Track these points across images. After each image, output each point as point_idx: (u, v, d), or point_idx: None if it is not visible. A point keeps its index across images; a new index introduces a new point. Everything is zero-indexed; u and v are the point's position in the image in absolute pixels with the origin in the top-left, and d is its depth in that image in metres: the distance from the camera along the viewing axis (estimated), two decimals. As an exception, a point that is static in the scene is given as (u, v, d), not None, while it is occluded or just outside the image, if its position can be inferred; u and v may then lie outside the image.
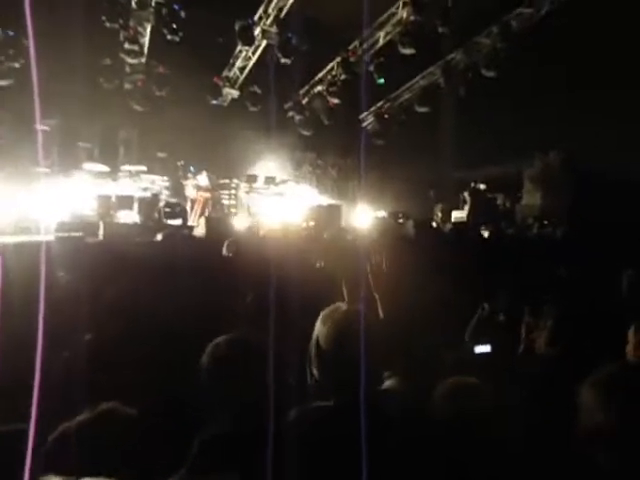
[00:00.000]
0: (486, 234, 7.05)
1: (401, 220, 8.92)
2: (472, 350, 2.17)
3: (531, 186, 10.60)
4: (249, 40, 10.16)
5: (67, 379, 1.63)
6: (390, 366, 1.43)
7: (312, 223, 8.65)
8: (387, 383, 1.40)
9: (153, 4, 8.94)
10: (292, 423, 1.20)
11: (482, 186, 11.34)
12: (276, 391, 1.14)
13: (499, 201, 11.49)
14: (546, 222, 8.45)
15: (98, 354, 1.86)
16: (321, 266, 3.30)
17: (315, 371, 1.32)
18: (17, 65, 8.78)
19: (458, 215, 10.85)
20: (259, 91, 11.58)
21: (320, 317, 1.38)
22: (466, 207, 10.95)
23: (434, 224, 8.93)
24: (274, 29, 10.10)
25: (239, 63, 11.43)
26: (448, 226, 8.05)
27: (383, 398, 1.29)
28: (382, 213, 10.84)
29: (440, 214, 11.22)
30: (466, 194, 11.03)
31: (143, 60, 10.30)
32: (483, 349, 2.02)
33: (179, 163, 10.55)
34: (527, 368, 1.94)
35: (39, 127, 10.00)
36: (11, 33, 8.74)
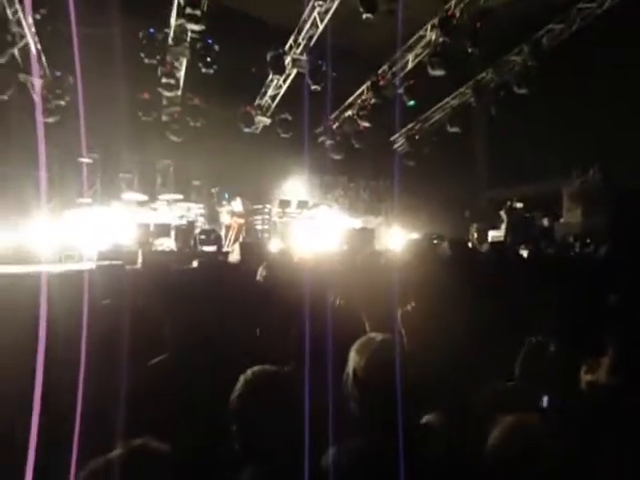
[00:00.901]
0: (525, 253, 6.84)
1: (436, 241, 8.77)
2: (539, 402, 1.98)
3: (571, 204, 10.27)
4: (280, 69, 10.44)
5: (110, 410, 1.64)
6: (429, 399, 1.37)
7: (345, 247, 8.62)
8: (426, 417, 1.34)
9: (188, 39, 9.34)
10: (332, 463, 1.16)
11: (519, 205, 11.08)
12: (313, 426, 1.10)
13: (537, 220, 11.18)
14: (588, 241, 8.15)
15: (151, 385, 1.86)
16: (341, 304, 3.22)
17: (352, 404, 1.28)
18: (63, 103, 9.28)
19: (495, 235, 10.61)
20: (290, 118, 11.83)
21: (354, 347, 1.34)
22: (503, 226, 10.71)
23: (470, 244, 8.75)
24: (304, 57, 10.35)
25: (270, 92, 11.73)
26: (485, 246, 7.86)
27: (424, 434, 1.23)
28: (416, 235, 10.72)
29: (476, 234, 11.00)
30: (502, 213, 10.79)
31: (179, 93, 10.72)
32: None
33: (213, 190, 10.80)
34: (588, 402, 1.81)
35: (83, 160, 10.54)
36: (58, 73, 9.27)
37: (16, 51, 8.32)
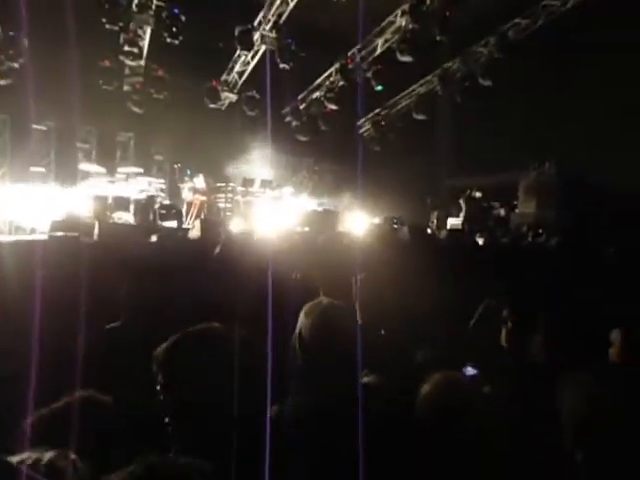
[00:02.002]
0: (481, 241, 7.09)
1: (396, 226, 8.95)
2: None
3: (526, 195, 10.67)
4: (248, 45, 10.23)
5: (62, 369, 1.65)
6: (370, 361, 1.44)
7: (307, 228, 8.67)
8: (366, 379, 1.41)
9: (153, 7, 9.00)
10: (278, 419, 1.21)
11: (478, 194, 11.42)
12: (258, 385, 1.14)
13: (494, 209, 11.57)
14: (540, 231, 8.50)
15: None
16: (297, 277, 3.29)
17: (299, 363, 1.33)
18: (16, 65, 8.80)
19: (454, 222, 10.91)
20: (257, 96, 11.65)
21: (303, 310, 1.40)
22: (461, 214, 11.02)
23: (429, 230, 8.97)
24: (273, 34, 10.17)
25: (238, 68, 11.50)
26: (443, 233, 8.09)
27: (366, 392, 1.30)
28: (378, 220, 10.88)
29: (436, 221, 11.28)
30: (462, 201, 11.09)
31: (142, 63, 10.35)
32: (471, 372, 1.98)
33: (176, 166, 10.57)
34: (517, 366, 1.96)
35: (37, 127, 10.07)
36: (11, 33, 8.75)
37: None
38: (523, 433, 1.35)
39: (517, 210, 10.93)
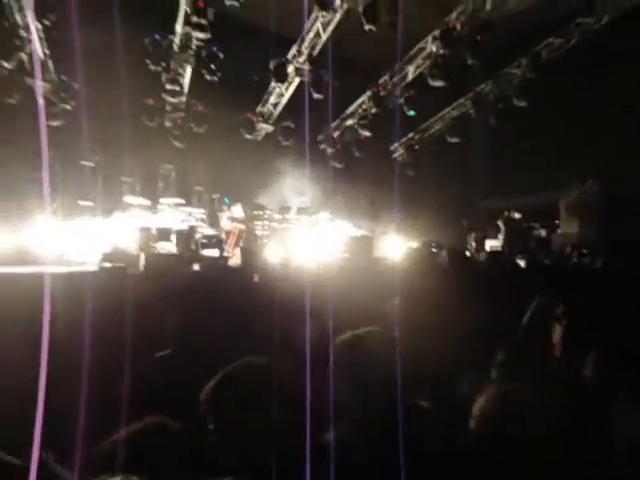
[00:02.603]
0: (522, 263, 6.93)
1: (434, 249, 8.86)
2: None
3: (568, 215, 10.37)
4: (283, 77, 10.59)
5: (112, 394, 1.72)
6: (416, 391, 1.44)
7: (344, 254, 8.70)
8: (411, 406, 1.41)
9: (193, 47, 9.48)
10: (324, 450, 1.22)
11: (517, 215, 11.19)
12: (300, 413, 1.16)
13: (535, 230, 11.29)
14: (585, 251, 8.23)
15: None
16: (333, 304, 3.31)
17: (341, 393, 1.34)
18: (68, 107, 9.40)
19: (493, 244, 10.70)
20: (292, 125, 11.96)
21: (341, 339, 1.42)
22: (500, 236, 10.80)
23: (468, 253, 8.83)
24: (307, 66, 10.49)
25: (273, 99, 11.87)
26: (483, 255, 7.95)
27: (413, 419, 1.30)
28: (415, 244, 10.80)
29: (474, 243, 11.09)
30: (500, 223, 10.89)
31: (183, 99, 10.85)
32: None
33: (215, 196, 10.89)
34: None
35: (85, 163, 10.65)
36: (64, 77, 9.40)
37: (24, 56, 8.45)
38: (574, 446, 1.32)
39: (559, 230, 10.62)
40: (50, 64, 9.32)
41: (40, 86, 8.88)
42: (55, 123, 9.18)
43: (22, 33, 8.29)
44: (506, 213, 11.02)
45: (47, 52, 8.89)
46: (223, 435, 1.18)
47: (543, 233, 11.04)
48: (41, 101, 9.09)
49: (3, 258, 6.49)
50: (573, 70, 10.43)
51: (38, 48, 8.49)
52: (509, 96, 11.58)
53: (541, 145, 11.42)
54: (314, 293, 3.07)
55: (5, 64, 8.30)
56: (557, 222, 10.74)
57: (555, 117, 11.19)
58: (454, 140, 12.78)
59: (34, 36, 8.26)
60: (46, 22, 8.14)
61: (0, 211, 7.47)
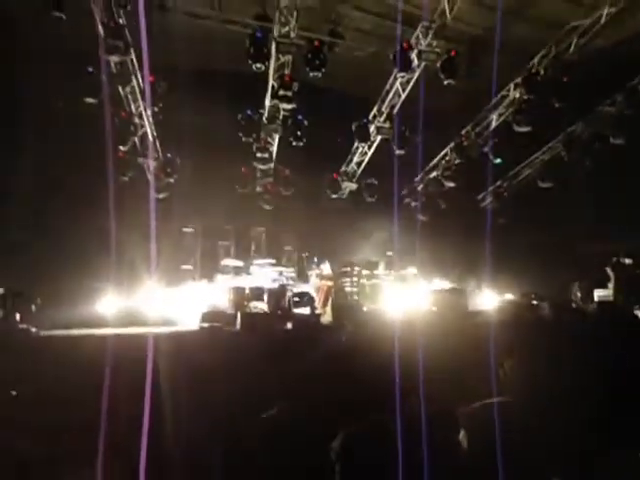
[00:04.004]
0: (640, 314, 6.23)
1: (535, 302, 8.28)
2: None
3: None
4: (365, 137, 10.96)
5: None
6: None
7: (435, 308, 8.41)
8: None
9: (281, 117, 10.20)
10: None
11: (627, 260, 10.18)
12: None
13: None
14: None
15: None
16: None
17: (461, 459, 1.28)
18: (172, 180, 10.42)
19: (602, 294, 9.75)
20: (375, 182, 12.19)
21: (460, 417, 1.36)
22: (610, 284, 9.83)
23: (574, 305, 8.14)
24: (387, 125, 10.79)
25: (356, 158, 12.25)
26: (592, 306, 7.28)
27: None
28: (510, 296, 10.19)
29: (579, 293, 10.19)
30: (609, 270, 9.95)
31: (272, 165, 11.57)
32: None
33: (304, 254, 11.23)
34: None
35: (186, 230, 11.57)
36: (169, 155, 10.51)
37: (137, 139, 9.63)
38: None
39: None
40: (157, 144, 10.49)
41: (151, 163, 10.00)
42: (161, 195, 10.17)
43: (136, 120, 9.49)
44: (615, 259, 10.08)
45: (155, 134, 10.05)
46: None
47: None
48: (150, 177, 10.18)
49: (116, 321, 7.12)
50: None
51: (149, 131, 9.64)
52: (605, 135, 10.94)
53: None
54: (407, 348, 2.98)
55: (121, 147, 9.49)
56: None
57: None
58: (546, 185, 12.19)
59: (146, 121, 9.42)
60: (155, 109, 9.25)
61: (115, 279, 8.23)
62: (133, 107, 9.34)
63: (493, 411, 1.38)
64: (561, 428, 1.67)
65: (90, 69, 8.35)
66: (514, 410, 1.32)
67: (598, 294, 9.77)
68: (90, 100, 8.29)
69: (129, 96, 9.09)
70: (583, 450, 1.69)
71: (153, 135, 9.92)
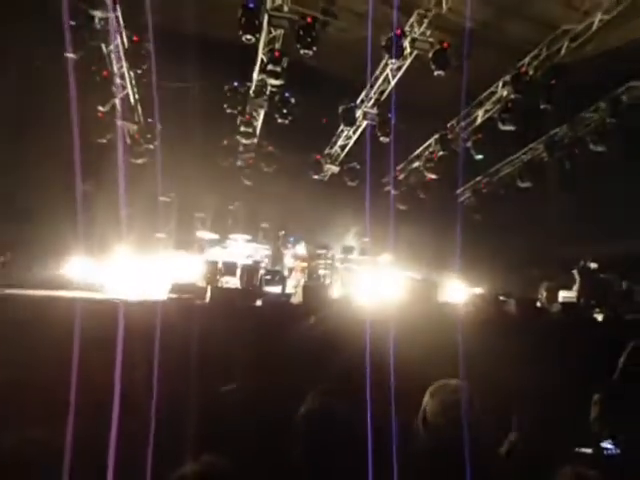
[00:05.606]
0: (600, 317, 6.47)
1: (502, 298, 8.48)
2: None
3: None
4: (351, 121, 10.88)
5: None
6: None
7: (406, 297, 8.52)
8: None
9: (268, 92, 10.02)
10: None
11: (593, 265, 10.48)
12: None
13: (615, 282, 10.49)
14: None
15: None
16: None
17: (421, 443, 1.31)
18: (152, 147, 10.18)
19: (567, 295, 10.05)
20: (358, 167, 12.17)
21: (429, 390, 1.39)
22: (575, 287, 10.13)
23: (539, 304, 8.37)
24: (375, 111, 10.73)
25: (340, 142, 12.18)
26: (556, 306, 7.50)
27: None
28: (479, 290, 10.39)
29: (545, 293, 10.47)
30: (575, 273, 10.24)
31: (255, 140, 11.41)
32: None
33: (280, 233, 11.18)
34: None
35: (162, 199, 11.35)
36: (150, 120, 10.24)
37: (117, 101, 9.33)
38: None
39: (643, 284, 9.83)
40: (139, 108, 10.19)
41: (130, 127, 9.72)
42: (140, 161, 9.93)
43: (117, 80, 9.18)
44: (582, 262, 10.37)
45: (137, 97, 9.75)
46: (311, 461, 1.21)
47: (624, 285, 10.25)
48: (129, 141, 9.93)
49: (84, 287, 6.97)
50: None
51: (131, 94, 9.34)
52: (586, 140, 11.13)
53: (620, 191, 10.77)
54: (375, 335, 3.03)
55: (101, 108, 9.19)
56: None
57: (636, 162, 10.57)
58: (525, 185, 12.38)
59: (128, 83, 9.12)
60: (138, 71, 8.95)
61: (84, 245, 8.05)
62: (115, 67, 9.02)
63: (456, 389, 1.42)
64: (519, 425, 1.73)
65: (72, 22, 8.00)
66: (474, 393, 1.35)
67: (563, 295, 10.07)
68: (70, 55, 7.96)
69: (112, 55, 8.77)
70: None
71: (135, 98, 9.63)
